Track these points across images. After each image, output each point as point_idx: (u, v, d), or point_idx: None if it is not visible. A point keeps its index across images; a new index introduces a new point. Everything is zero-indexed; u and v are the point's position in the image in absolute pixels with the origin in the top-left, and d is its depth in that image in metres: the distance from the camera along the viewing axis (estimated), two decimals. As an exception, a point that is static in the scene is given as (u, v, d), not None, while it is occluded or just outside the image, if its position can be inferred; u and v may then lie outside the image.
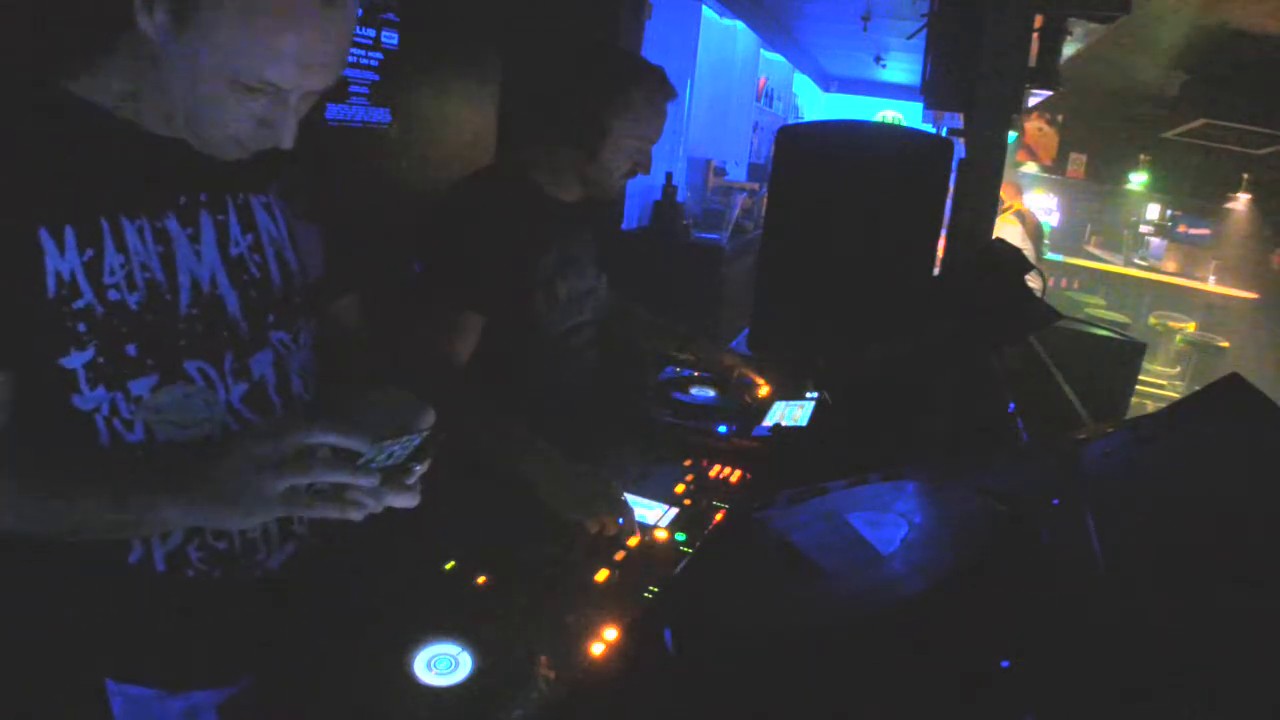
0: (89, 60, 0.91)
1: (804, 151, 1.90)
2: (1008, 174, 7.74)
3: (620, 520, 1.27)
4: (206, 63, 0.86)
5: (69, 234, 0.86)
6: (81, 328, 0.87)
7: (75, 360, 0.88)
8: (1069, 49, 2.48)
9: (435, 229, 1.61)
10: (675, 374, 2.05)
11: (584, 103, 1.62)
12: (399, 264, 1.59)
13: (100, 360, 0.89)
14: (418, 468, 0.89)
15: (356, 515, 0.88)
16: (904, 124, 7.55)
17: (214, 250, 0.99)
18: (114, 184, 0.91)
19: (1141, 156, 8.09)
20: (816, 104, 9.05)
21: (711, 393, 1.92)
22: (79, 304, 0.87)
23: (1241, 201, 8.02)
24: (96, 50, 0.91)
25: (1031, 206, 6.88)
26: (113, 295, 0.89)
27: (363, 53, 2.44)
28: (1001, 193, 6.48)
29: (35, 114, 0.88)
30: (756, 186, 5.47)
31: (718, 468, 1.53)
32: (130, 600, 0.97)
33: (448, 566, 1.12)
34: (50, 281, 0.85)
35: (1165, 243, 8.49)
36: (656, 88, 1.66)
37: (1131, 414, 1.91)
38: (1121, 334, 2.39)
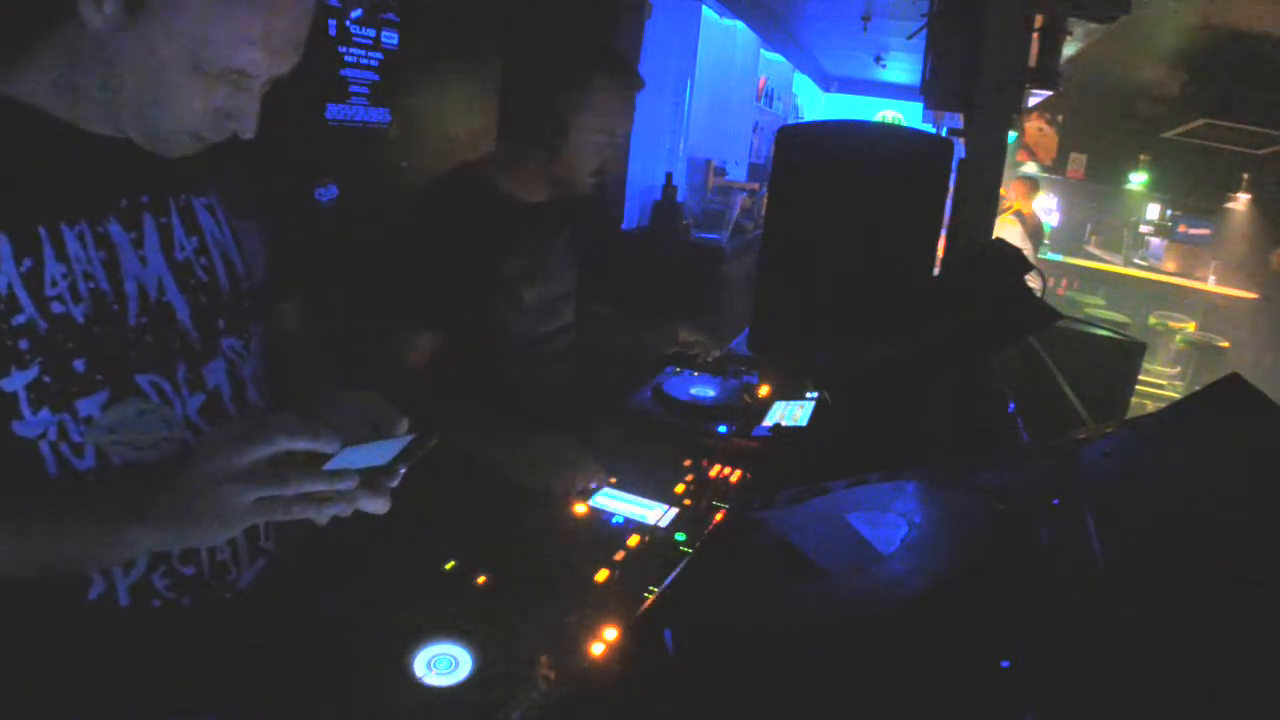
0: (16, 58, 0.85)
1: (804, 151, 1.90)
2: (1018, 173, 7.75)
3: (589, 482, 1.32)
4: (166, 52, 0.81)
5: (3, 243, 0.80)
6: (23, 345, 0.80)
7: (16, 381, 0.80)
8: (1069, 49, 2.48)
9: (391, 242, 1.57)
10: (675, 374, 2.05)
11: (542, 98, 1.55)
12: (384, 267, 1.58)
13: (45, 380, 0.82)
14: (402, 469, 0.85)
15: (324, 518, 0.82)
16: (904, 124, 7.55)
17: (159, 255, 0.93)
18: (50, 188, 0.84)
19: (1141, 156, 8.09)
20: (816, 104, 9.05)
21: (711, 393, 1.92)
22: (19, 319, 0.80)
23: (1241, 201, 8.02)
24: (24, 47, 0.85)
25: (1032, 206, 6.89)
26: (56, 308, 0.82)
27: (363, 53, 2.44)
28: (1012, 191, 6.45)
29: None
30: (756, 186, 5.47)
31: (718, 468, 1.53)
32: (93, 639, 0.91)
33: (448, 566, 1.12)
34: None
35: (1165, 243, 8.50)
36: (617, 76, 1.57)
37: (1131, 414, 1.91)
38: (1121, 334, 2.38)
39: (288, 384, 1.13)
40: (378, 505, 0.84)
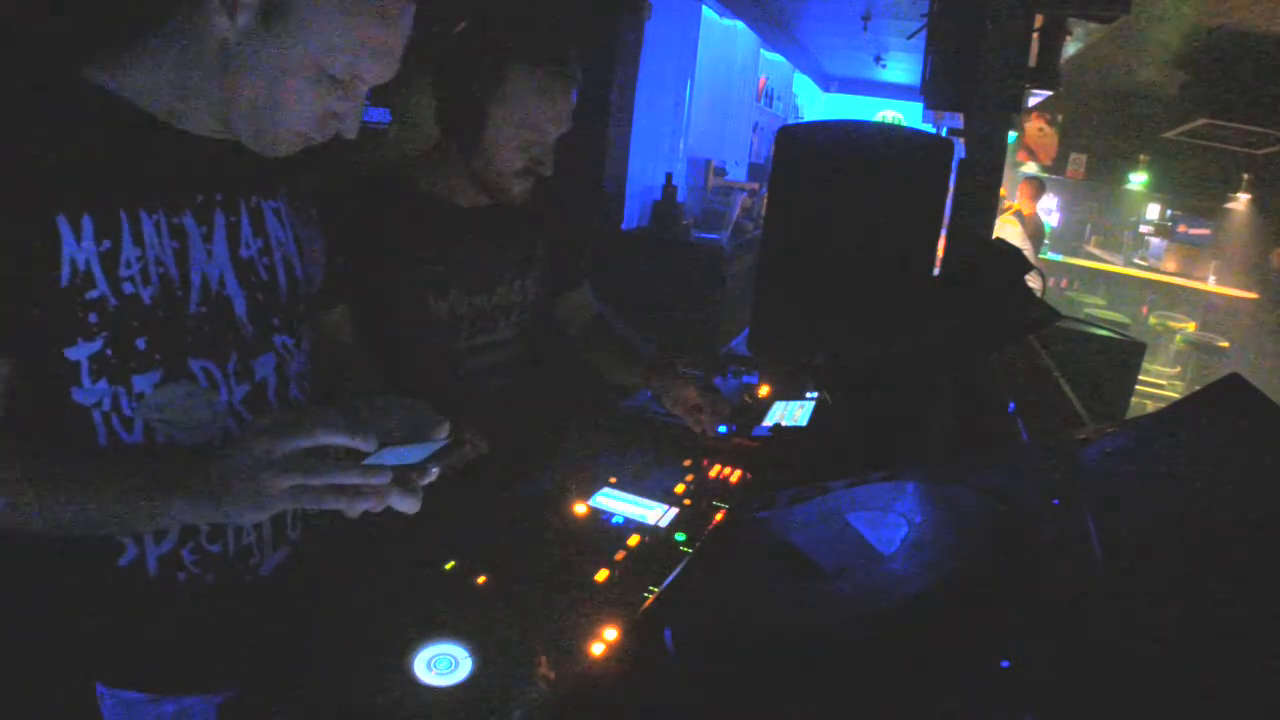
0: (119, 56, 0.91)
1: (804, 151, 1.90)
2: (1019, 173, 7.75)
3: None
4: (296, 58, 0.88)
5: (87, 223, 0.86)
6: (93, 318, 0.87)
7: (81, 351, 0.87)
8: (1069, 49, 2.48)
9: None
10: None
11: (458, 83, 1.41)
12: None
13: (107, 353, 0.88)
14: (434, 469, 0.88)
15: (355, 510, 0.85)
16: (904, 124, 7.55)
17: (225, 250, 0.99)
18: (134, 177, 0.91)
19: (1141, 156, 8.10)
20: (816, 104, 9.05)
21: (711, 393, 1.92)
22: (92, 294, 0.86)
23: (1241, 201, 8.03)
24: (128, 47, 0.92)
25: (1035, 207, 6.89)
26: (127, 288, 0.89)
27: (363, 53, 2.43)
28: (1018, 191, 6.45)
29: (61, 105, 0.88)
30: (756, 186, 5.47)
31: (718, 468, 1.53)
32: (121, 603, 0.96)
33: (448, 566, 1.12)
34: (65, 270, 0.84)
35: (1165, 243, 8.50)
36: (542, 65, 1.39)
37: (1131, 414, 1.91)
38: (1121, 334, 2.39)
39: (333, 385, 1.18)
40: (408, 504, 0.87)
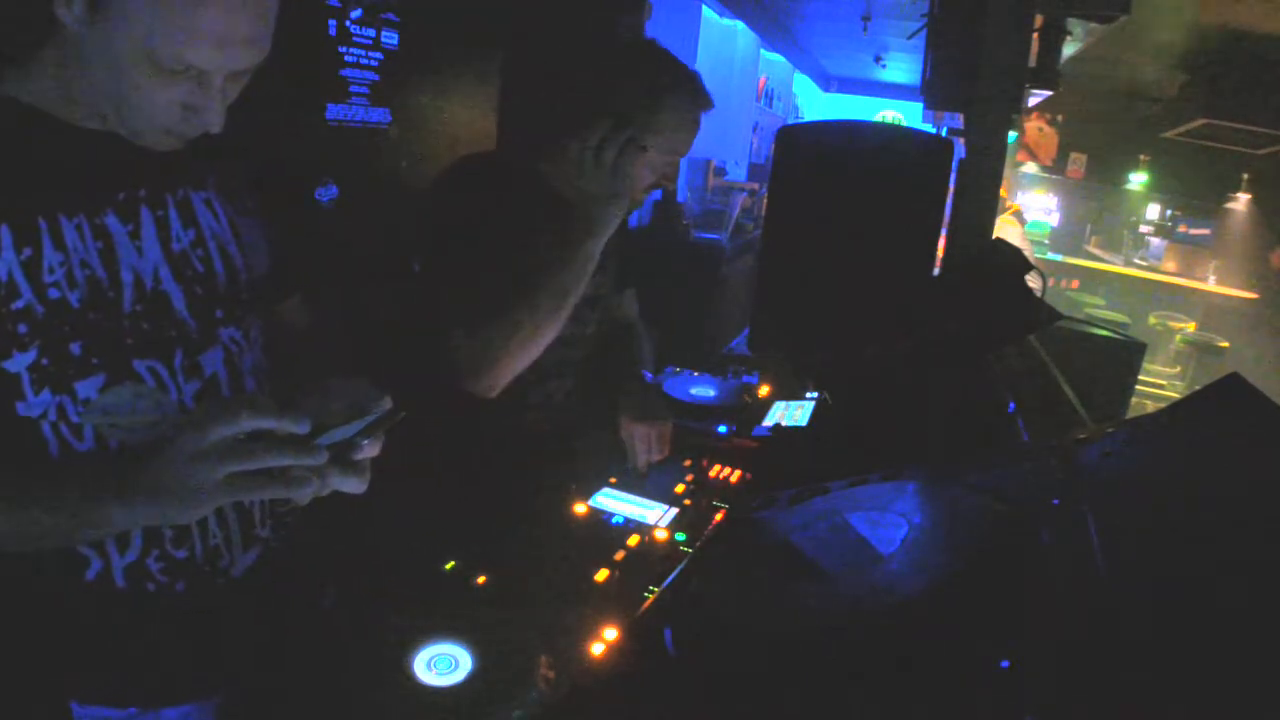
0: (15, 59, 0.89)
1: (804, 151, 1.90)
2: (1006, 173, 7.73)
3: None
4: (125, 49, 0.84)
5: (4, 233, 0.85)
6: (22, 329, 0.86)
7: (18, 363, 0.86)
8: (1069, 49, 2.48)
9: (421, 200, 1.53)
10: (675, 374, 2.05)
11: (606, 104, 1.48)
12: (395, 264, 1.56)
13: (44, 362, 0.87)
14: (365, 443, 0.87)
15: (301, 496, 0.84)
16: (904, 124, 7.55)
17: (156, 246, 0.97)
18: (49, 182, 0.89)
19: (1141, 156, 8.10)
20: (816, 104, 9.05)
21: (711, 393, 1.92)
22: (18, 304, 0.85)
23: (1241, 201, 8.03)
24: (21, 49, 0.89)
25: (1031, 206, 6.88)
26: (53, 294, 0.87)
27: (363, 53, 2.43)
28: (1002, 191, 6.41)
29: None
30: (756, 186, 5.47)
31: (718, 468, 1.53)
32: (90, 618, 0.95)
33: (448, 566, 1.12)
34: None
35: (1165, 243, 8.50)
36: (690, 101, 1.53)
37: (1131, 414, 1.91)
38: (1121, 334, 2.39)
39: (290, 378, 1.14)
40: (352, 484, 0.87)
